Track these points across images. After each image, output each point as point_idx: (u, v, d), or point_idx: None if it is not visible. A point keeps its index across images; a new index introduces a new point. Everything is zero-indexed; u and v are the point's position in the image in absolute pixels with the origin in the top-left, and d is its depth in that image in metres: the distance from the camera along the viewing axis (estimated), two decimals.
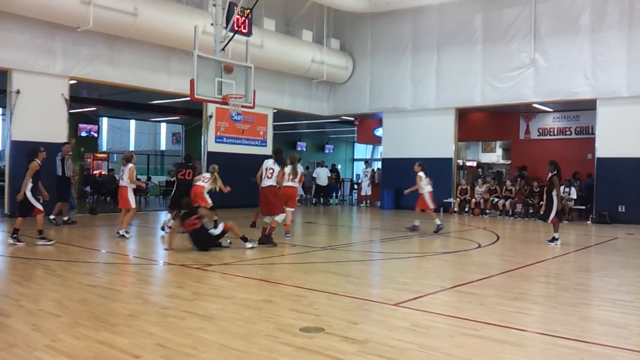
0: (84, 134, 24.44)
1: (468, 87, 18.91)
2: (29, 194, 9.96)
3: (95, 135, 25.79)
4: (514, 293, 6.71)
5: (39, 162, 10.13)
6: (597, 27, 16.53)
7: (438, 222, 13.11)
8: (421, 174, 13.19)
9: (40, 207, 10.04)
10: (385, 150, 21.33)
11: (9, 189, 14.19)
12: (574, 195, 17.17)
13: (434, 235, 12.71)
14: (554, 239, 11.25)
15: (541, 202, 17.22)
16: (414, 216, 13.63)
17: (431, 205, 13.39)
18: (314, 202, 23.54)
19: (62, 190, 13.09)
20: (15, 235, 9.83)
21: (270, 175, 10.27)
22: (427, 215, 13.47)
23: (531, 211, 17.74)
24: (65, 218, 12.90)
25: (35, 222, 10.03)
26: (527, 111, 20.61)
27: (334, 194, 25.29)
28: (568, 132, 20.36)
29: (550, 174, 11.25)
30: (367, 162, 24.95)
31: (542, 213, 11.73)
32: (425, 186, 13.21)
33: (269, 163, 10.44)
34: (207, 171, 12.45)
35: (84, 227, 13.29)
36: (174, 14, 15.64)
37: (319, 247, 10.51)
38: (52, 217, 12.74)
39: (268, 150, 20.37)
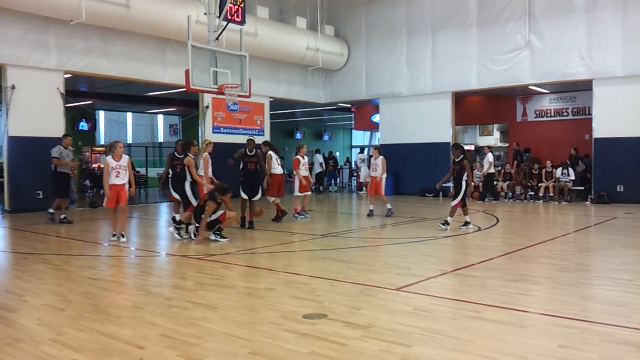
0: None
1: (464, 71, 18.87)
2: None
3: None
4: (514, 275, 6.74)
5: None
6: (591, 7, 16.46)
7: (389, 206, 13.31)
8: (383, 157, 13.26)
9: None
10: (383, 136, 21.32)
11: (9, 184, 14.16)
12: (572, 176, 17.21)
13: (424, 220, 12.74)
14: (446, 222, 10.86)
15: (540, 184, 17.35)
16: (370, 202, 13.79)
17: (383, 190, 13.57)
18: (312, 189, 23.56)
19: (59, 185, 12.46)
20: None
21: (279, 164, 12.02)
22: (381, 199, 13.49)
23: (531, 193, 17.77)
24: (62, 216, 12.32)
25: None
26: (524, 93, 20.60)
27: (333, 181, 25.33)
28: (565, 113, 20.36)
29: (458, 158, 10.95)
30: (362, 150, 24.97)
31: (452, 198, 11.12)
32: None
33: (274, 155, 11.97)
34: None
35: (85, 221, 13.30)
36: (167, 4, 15.54)
37: (319, 235, 10.53)
38: (50, 210, 12.37)
39: (266, 138, 20.35)
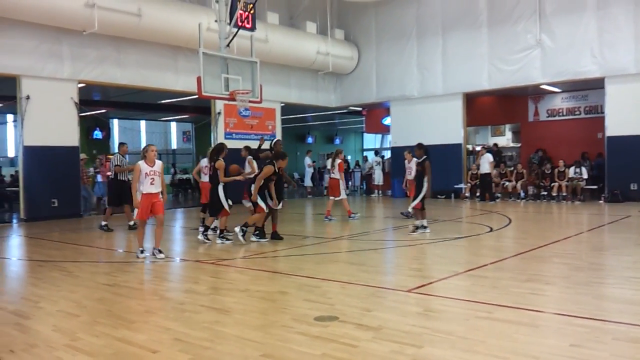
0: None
1: (475, 71, 18.82)
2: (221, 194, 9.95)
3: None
4: (527, 275, 6.72)
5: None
6: (602, 4, 16.35)
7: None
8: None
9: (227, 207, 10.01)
10: (394, 139, 21.30)
11: (24, 193, 14.36)
12: (585, 175, 17.08)
13: (435, 222, 12.71)
14: (417, 228, 10.43)
15: (553, 184, 17.23)
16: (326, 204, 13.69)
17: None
18: (325, 193, 23.56)
19: (118, 192, 12.39)
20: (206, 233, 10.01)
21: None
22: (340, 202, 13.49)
23: (543, 193, 17.67)
24: (104, 223, 12.32)
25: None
26: (535, 93, 20.47)
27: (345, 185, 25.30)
28: (577, 112, 20.21)
29: (420, 158, 10.51)
30: (377, 152, 24.94)
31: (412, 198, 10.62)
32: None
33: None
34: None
35: (99, 228, 13.43)
36: (178, 12, 15.69)
37: (331, 238, 10.56)
38: (103, 223, 12.34)
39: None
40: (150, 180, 8.24)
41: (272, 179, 9.82)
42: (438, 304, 5.46)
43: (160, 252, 8.40)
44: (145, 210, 8.26)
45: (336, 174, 13.50)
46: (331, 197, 13.61)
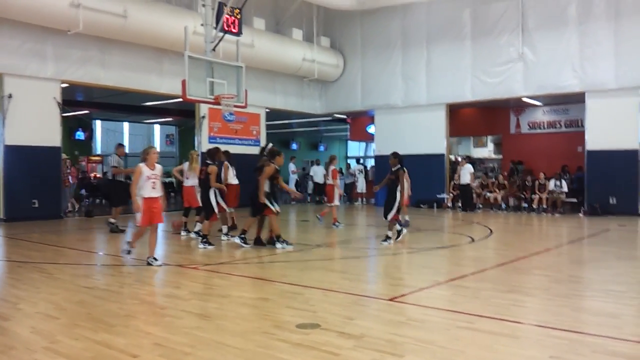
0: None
1: (458, 83, 19.01)
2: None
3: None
4: (507, 286, 6.78)
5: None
6: (584, 19, 16.64)
7: (407, 217, 13.34)
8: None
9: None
10: (378, 147, 21.39)
11: (4, 193, 14.15)
12: (565, 188, 17.31)
13: (418, 231, 12.78)
14: (387, 238, 10.26)
15: (533, 196, 17.43)
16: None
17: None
18: (309, 200, 23.61)
19: (119, 193, 12.31)
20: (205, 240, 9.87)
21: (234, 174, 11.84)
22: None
23: (524, 205, 17.86)
24: (112, 220, 12.29)
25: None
26: (517, 105, 20.72)
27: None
28: (558, 126, 20.49)
29: (394, 168, 10.33)
30: (358, 160, 25.02)
31: (384, 211, 10.34)
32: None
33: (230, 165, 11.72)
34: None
35: (81, 230, 13.30)
36: (164, 15, 15.63)
37: (314, 245, 10.56)
38: (111, 221, 12.28)
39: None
40: (151, 184, 7.90)
41: (275, 177, 9.71)
42: (419, 313, 5.49)
43: (155, 259, 8.11)
44: (148, 215, 7.92)
45: (330, 180, 13.65)
46: (327, 204, 13.83)
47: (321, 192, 23.42)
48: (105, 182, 12.71)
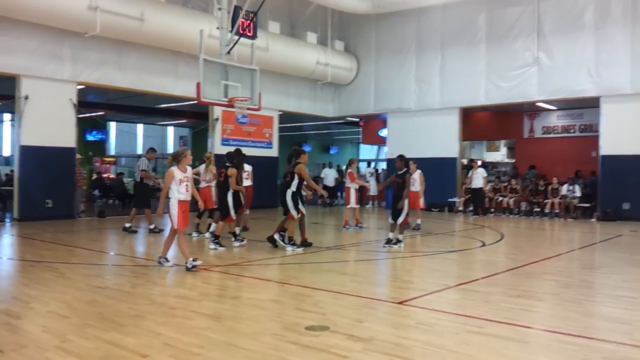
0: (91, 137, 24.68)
1: (472, 87, 18.94)
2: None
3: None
4: (518, 290, 6.75)
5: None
6: (600, 24, 16.52)
7: (419, 221, 13.51)
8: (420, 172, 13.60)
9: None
10: (390, 151, 21.36)
11: (19, 193, 14.32)
12: (578, 193, 17.18)
13: (429, 235, 12.75)
14: (398, 241, 10.27)
15: (546, 201, 17.32)
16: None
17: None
18: (319, 202, 23.61)
19: (144, 196, 12.66)
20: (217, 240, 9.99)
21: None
22: (416, 212, 13.50)
23: (536, 209, 17.75)
24: (128, 225, 12.44)
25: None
26: (531, 110, 20.62)
27: (339, 195, 25.35)
28: (572, 130, 20.35)
29: (401, 171, 10.30)
30: (369, 164, 25.01)
31: (392, 214, 10.33)
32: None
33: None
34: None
35: (93, 230, 13.43)
36: (180, 18, 15.75)
37: (324, 247, 10.57)
38: (127, 225, 12.42)
39: (274, 152, 20.52)
40: (185, 186, 7.81)
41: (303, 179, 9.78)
42: (429, 316, 5.48)
43: (167, 260, 8.10)
44: (184, 217, 7.82)
45: (347, 183, 13.90)
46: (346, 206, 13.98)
47: (331, 194, 23.47)
48: (134, 185, 12.97)
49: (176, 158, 7.91)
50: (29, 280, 7.13)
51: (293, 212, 9.70)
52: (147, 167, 12.50)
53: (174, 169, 7.80)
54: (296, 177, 9.76)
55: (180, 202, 7.78)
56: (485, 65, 18.71)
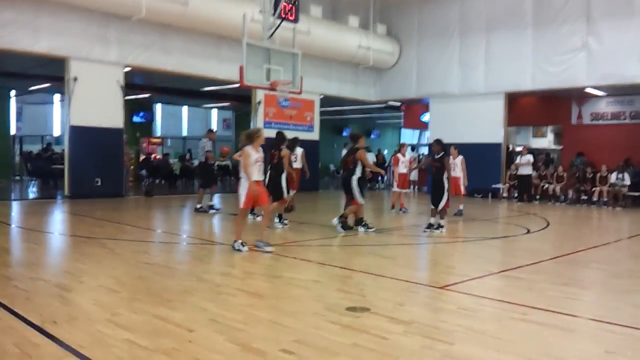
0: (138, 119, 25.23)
1: (518, 71, 18.50)
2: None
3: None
4: (563, 278, 6.64)
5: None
6: None
7: (461, 206, 13.16)
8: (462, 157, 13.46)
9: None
10: (433, 135, 21.11)
11: (69, 171, 14.79)
12: (627, 181, 16.67)
13: (472, 221, 12.60)
14: (439, 226, 10.19)
15: (594, 189, 16.89)
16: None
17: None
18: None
19: (205, 176, 13.02)
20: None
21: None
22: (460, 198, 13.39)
23: (584, 197, 17.32)
24: (199, 206, 12.65)
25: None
26: (579, 95, 20.02)
27: (380, 179, 25.31)
28: (622, 117, 19.70)
29: (438, 155, 10.25)
30: (413, 148, 24.80)
31: (432, 199, 10.27)
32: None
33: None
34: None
35: (140, 208, 13.78)
36: (224, 2, 15.84)
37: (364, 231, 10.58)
38: (198, 206, 12.73)
39: (315, 135, 20.58)
40: (258, 166, 7.75)
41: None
42: (471, 302, 5.45)
43: (242, 244, 7.73)
44: (251, 198, 7.79)
45: (400, 167, 14.07)
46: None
47: (373, 178, 23.43)
48: (199, 165, 13.49)
49: (250, 138, 7.81)
50: (80, 255, 7.39)
51: (360, 199, 9.92)
52: (211, 148, 12.80)
53: (249, 149, 7.71)
54: (359, 162, 9.89)
55: (253, 182, 7.67)
56: (532, 50, 18.23)
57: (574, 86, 17.73)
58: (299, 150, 12.67)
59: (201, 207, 12.69)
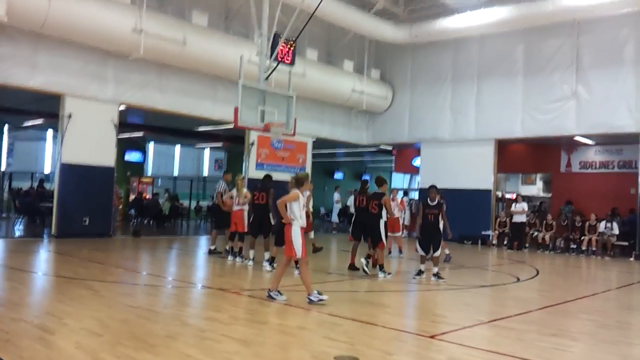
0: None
1: (508, 118, 18.76)
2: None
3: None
4: (552, 329, 6.59)
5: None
6: None
7: (447, 251, 12.92)
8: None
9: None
10: (423, 180, 21.22)
11: (57, 209, 14.66)
12: (616, 230, 16.74)
13: (461, 268, 12.54)
14: (439, 276, 10.01)
15: (583, 237, 16.92)
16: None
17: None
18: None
19: (223, 217, 12.40)
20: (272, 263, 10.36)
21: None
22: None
23: (572, 246, 17.35)
24: (213, 247, 12.54)
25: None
26: (569, 144, 20.27)
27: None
28: (611, 166, 19.92)
29: (434, 202, 10.23)
30: (406, 192, 24.88)
31: (426, 246, 10.23)
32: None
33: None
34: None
35: (126, 249, 13.64)
36: (221, 43, 16.09)
37: (355, 276, 10.50)
38: (212, 247, 12.61)
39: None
40: (304, 212, 7.51)
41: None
42: (461, 352, 5.38)
43: (279, 293, 7.44)
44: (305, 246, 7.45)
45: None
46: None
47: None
48: (212, 206, 13.34)
49: (300, 182, 7.62)
50: (63, 297, 7.26)
51: (385, 241, 10.41)
52: (224, 190, 12.57)
53: (298, 192, 7.47)
54: (384, 207, 10.37)
55: (302, 228, 7.46)
56: (522, 97, 18.54)
57: (564, 134, 17.96)
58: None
59: (215, 249, 12.55)
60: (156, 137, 26.30)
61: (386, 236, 10.54)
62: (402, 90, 21.83)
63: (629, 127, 16.46)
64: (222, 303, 7.40)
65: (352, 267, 10.85)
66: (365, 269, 10.29)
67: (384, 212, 10.44)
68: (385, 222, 10.62)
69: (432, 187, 10.47)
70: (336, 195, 24.47)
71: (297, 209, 7.39)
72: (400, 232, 13.97)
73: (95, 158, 15.07)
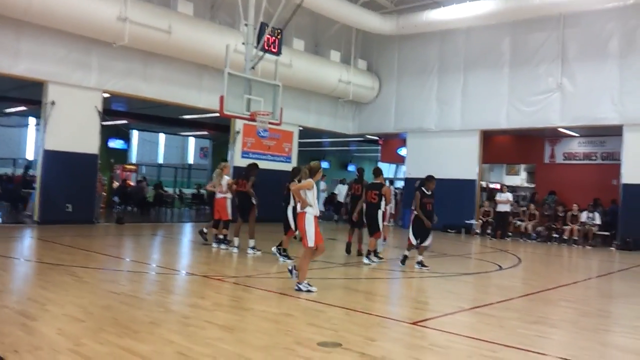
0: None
1: (493, 110, 18.88)
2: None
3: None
4: (533, 316, 6.67)
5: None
6: (625, 52, 16.40)
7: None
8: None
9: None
10: (409, 170, 21.33)
11: (40, 196, 14.53)
12: (597, 220, 16.97)
13: (445, 256, 12.65)
14: (422, 264, 10.15)
15: (565, 227, 17.12)
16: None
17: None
18: (336, 218, 23.61)
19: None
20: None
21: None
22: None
23: (555, 235, 17.55)
24: (222, 236, 11.74)
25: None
26: (553, 135, 20.46)
27: None
28: (593, 157, 20.14)
29: (430, 191, 10.36)
30: (391, 182, 24.98)
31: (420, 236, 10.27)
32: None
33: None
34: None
35: (109, 236, 13.56)
36: (207, 32, 15.97)
37: (340, 263, 10.56)
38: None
39: (292, 166, 20.55)
40: (316, 201, 7.42)
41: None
42: (442, 338, 5.44)
43: (310, 285, 7.36)
44: (319, 234, 7.38)
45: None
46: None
47: (342, 210, 23.46)
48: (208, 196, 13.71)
49: (313, 172, 7.57)
50: (46, 283, 7.21)
51: (382, 230, 10.64)
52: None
53: (312, 181, 7.41)
54: (383, 197, 10.56)
55: (315, 217, 7.41)
56: (508, 89, 18.66)
57: (548, 126, 18.12)
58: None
59: (206, 232, 12.32)
60: (140, 124, 26.10)
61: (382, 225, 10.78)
62: (389, 80, 21.85)
63: (612, 119, 16.64)
64: (205, 290, 7.39)
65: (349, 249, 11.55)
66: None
67: (383, 203, 10.61)
68: (383, 212, 10.71)
69: (431, 177, 10.56)
70: (322, 184, 24.47)
71: (312, 197, 7.36)
72: (387, 221, 13.95)
73: (79, 145, 14.95)
